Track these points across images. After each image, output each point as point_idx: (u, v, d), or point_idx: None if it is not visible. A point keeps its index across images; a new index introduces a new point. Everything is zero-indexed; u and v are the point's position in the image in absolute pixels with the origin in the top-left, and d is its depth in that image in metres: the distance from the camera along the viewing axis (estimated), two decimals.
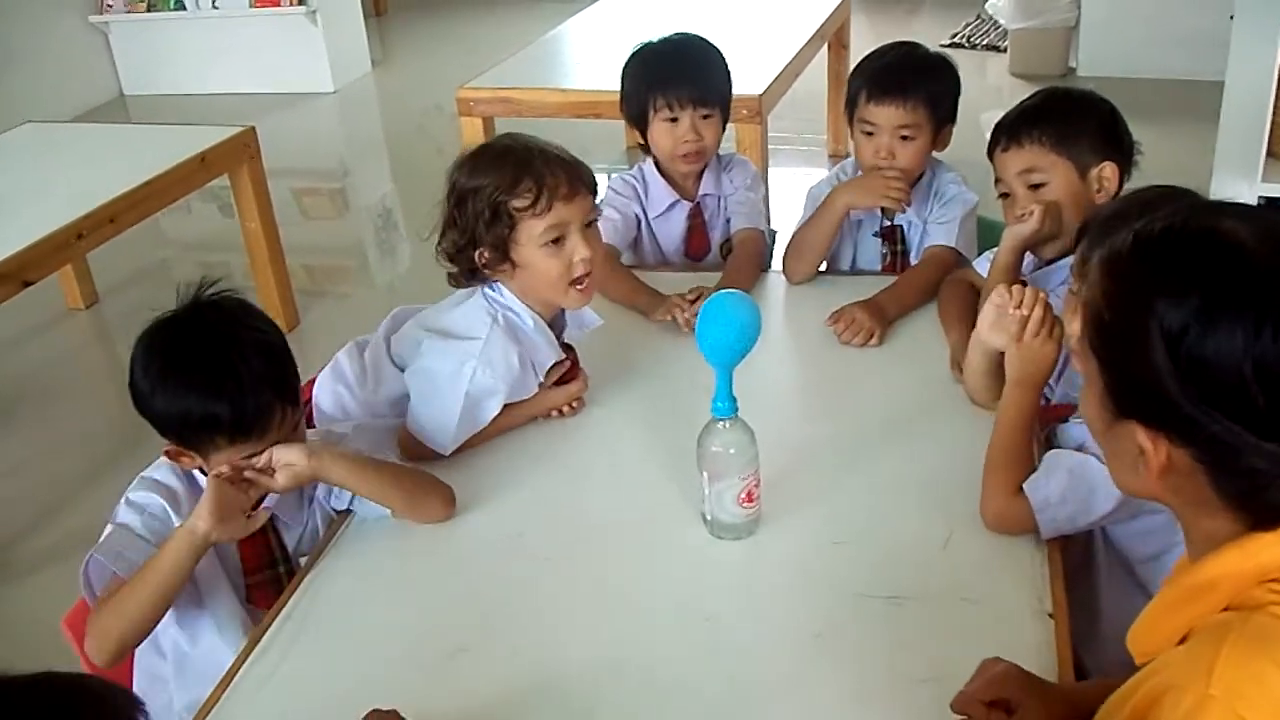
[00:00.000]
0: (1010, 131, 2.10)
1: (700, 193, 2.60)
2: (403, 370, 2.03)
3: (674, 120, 2.47)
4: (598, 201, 2.02)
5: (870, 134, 2.38)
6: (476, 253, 1.94)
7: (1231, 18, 3.69)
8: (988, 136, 2.17)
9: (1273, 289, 0.99)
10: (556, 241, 1.91)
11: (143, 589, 1.60)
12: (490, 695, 1.50)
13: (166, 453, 1.69)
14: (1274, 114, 3.16)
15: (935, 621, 1.56)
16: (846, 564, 1.68)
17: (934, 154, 2.47)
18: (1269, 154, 3.22)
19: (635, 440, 2.01)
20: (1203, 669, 0.99)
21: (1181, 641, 1.07)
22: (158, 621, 1.63)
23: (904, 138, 2.36)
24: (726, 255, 2.59)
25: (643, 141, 2.58)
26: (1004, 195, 2.15)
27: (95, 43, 7.18)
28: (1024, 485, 1.67)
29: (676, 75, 2.46)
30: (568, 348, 2.08)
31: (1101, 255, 1.12)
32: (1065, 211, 2.05)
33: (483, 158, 1.95)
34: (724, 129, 2.56)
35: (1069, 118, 2.08)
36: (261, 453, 1.65)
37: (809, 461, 1.90)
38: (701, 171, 2.58)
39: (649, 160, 2.59)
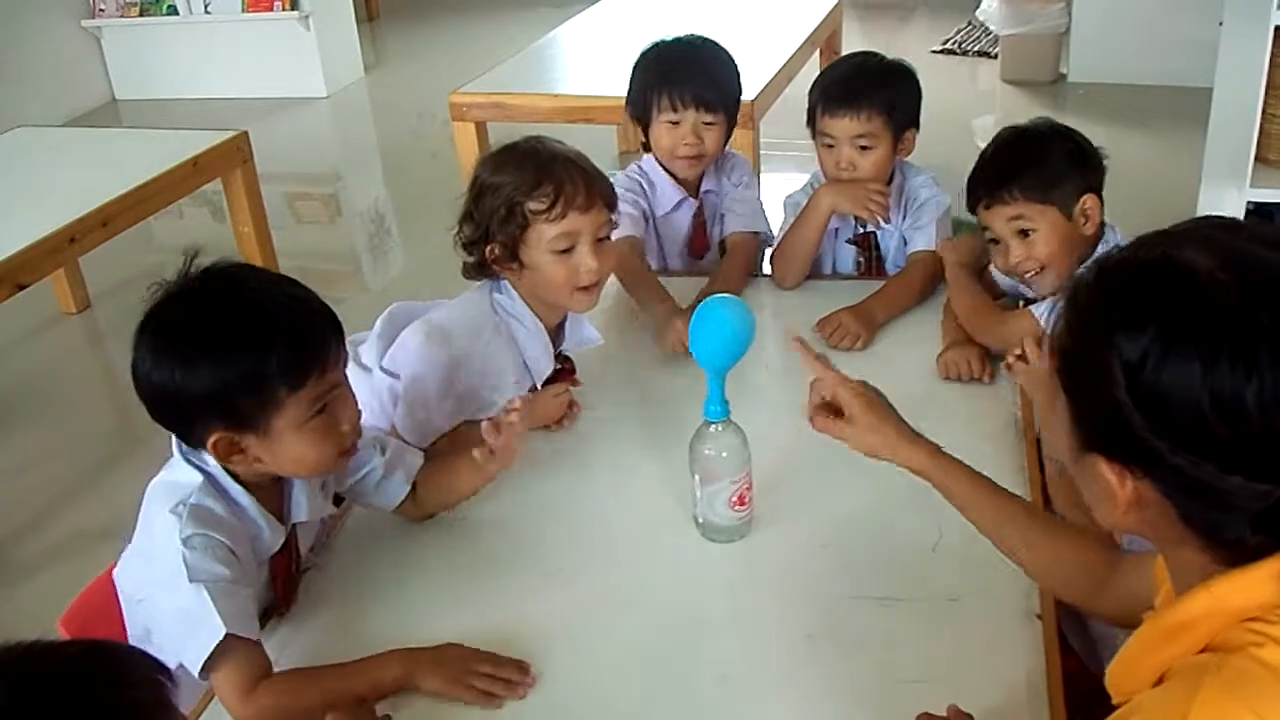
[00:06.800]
0: (991, 191, 2.10)
1: (703, 189, 2.59)
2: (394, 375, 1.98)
3: (676, 122, 2.45)
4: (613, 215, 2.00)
5: (830, 146, 2.41)
6: (488, 248, 1.95)
7: (1220, 24, 3.71)
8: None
9: (1228, 319, 0.97)
10: (566, 251, 1.91)
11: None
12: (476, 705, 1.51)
13: (215, 447, 1.50)
14: (1262, 120, 3.18)
15: (925, 622, 1.57)
16: (837, 566, 1.69)
17: (906, 159, 2.48)
18: (1257, 159, 3.24)
19: (628, 443, 2.02)
20: (1176, 715, 0.96)
21: (1158, 683, 1.05)
22: None
23: (862, 148, 2.37)
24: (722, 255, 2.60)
25: (644, 139, 2.55)
26: (993, 241, 2.15)
27: (88, 47, 7.18)
28: None
29: (683, 74, 2.44)
30: (565, 359, 2.09)
31: (1067, 286, 1.11)
32: (1057, 251, 2.07)
33: (508, 156, 1.96)
34: (729, 136, 2.54)
35: (1043, 165, 2.07)
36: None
37: (800, 465, 1.90)
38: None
39: (648, 158, 2.56)
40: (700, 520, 1.75)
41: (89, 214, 3.49)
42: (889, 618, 1.58)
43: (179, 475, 1.55)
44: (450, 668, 1.50)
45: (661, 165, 2.55)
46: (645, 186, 2.57)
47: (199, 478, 1.54)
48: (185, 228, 5.36)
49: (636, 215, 2.51)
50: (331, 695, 1.46)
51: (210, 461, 1.54)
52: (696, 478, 1.72)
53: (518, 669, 1.52)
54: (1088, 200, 2.07)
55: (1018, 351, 1.87)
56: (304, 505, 1.65)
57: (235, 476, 1.56)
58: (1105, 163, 2.11)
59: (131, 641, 1.66)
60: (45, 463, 3.68)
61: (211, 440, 1.49)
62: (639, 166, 2.58)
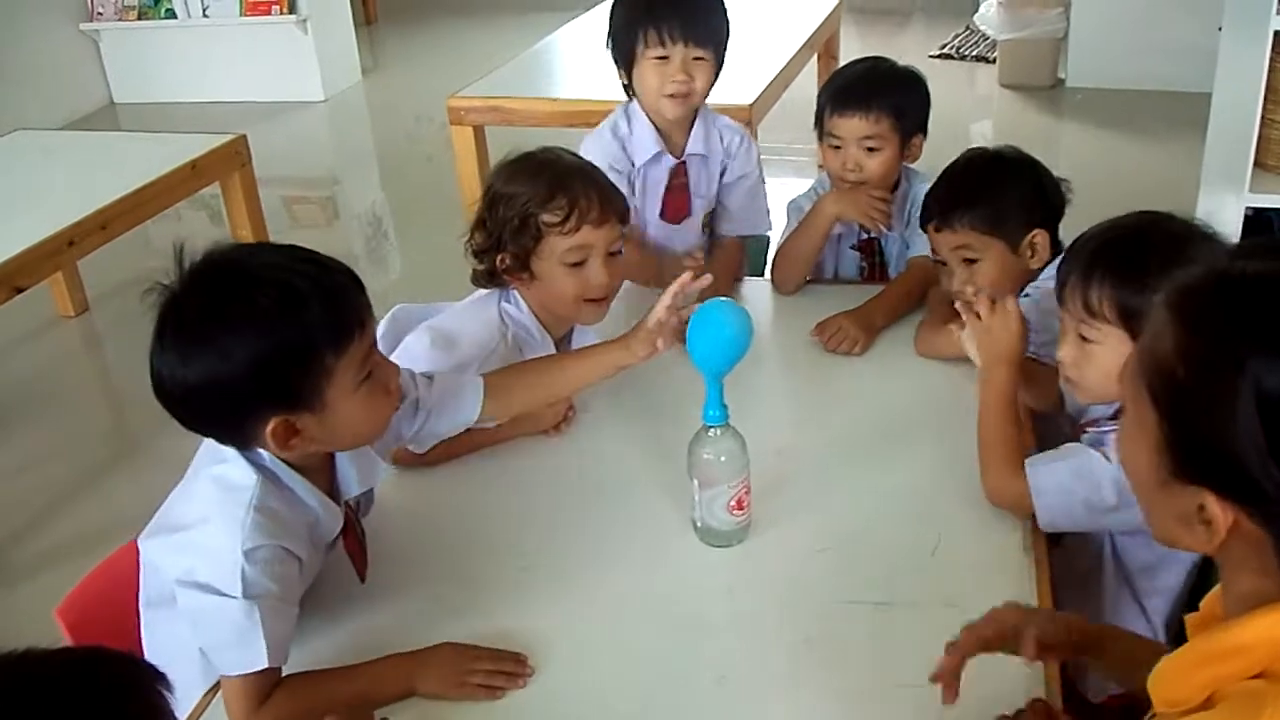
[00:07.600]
0: (941, 214, 2.12)
1: (687, 150, 2.49)
2: None
3: (664, 58, 2.36)
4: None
5: (837, 147, 2.40)
6: (499, 257, 1.95)
7: (1220, 29, 3.71)
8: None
9: None
10: (578, 264, 1.92)
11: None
12: (477, 702, 1.51)
13: (273, 434, 1.42)
14: (1261, 125, 3.18)
15: (923, 627, 1.56)
16: (836, 570, 1.69)
17: (911, 166, 2.48)
18: (1256, 165, 3.23)
19: (626, 447, 2.02)
20: None
21: (1206, 702, 0.99)
22: None
23: (870, 149, 2.36)
24: (704, 227, 2.56)
25: (626, 83, 2.48)
26: (940, 262, 2.19)
27: (86, 50, 7.17)
28: (1026, 463, 1.69)
29: (669, 8, 2.36)
30: None
31: (1169, 292, 0.99)
32: (998, 281, 2.08)
33: (522, 166, 1.96)
34: (716, 77, 2.44)
35: (997, 197, 2.10)
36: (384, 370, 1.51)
37: (799, 469, 1.91)
38: (690, 126, 2.47)
39: (633, 103, 2.47)
40: (698, 524, 1.75)
41: (87, 217, 3.50)
42: (887, 622, 1.58)
43: (234, 474, 1.48)
44: (449, 669, 1.51)
45: (646, 115, 2.45)
46: (624, 139, 2.46)
47: (254, 476, 1.47)
48: (183, 231, 5.32)
49: (622, 180, 2.38)
50: (334, 700, 1.46)
51: (264, 455, 1.49)
52: (695, 482, 1.72)
53: (515, 661, 1.53)
54: (1036, 236, 2.09)
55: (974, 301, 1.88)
56: (353, 479, 1.61)
57: (286, 463, 1.51)
58: (1069, 195, 2.13)
59: (144, 600, 1.65)
60: (45, 464, 3.69)
61: (270, 428, 1.41)
62: (625, 111, 2.48)
